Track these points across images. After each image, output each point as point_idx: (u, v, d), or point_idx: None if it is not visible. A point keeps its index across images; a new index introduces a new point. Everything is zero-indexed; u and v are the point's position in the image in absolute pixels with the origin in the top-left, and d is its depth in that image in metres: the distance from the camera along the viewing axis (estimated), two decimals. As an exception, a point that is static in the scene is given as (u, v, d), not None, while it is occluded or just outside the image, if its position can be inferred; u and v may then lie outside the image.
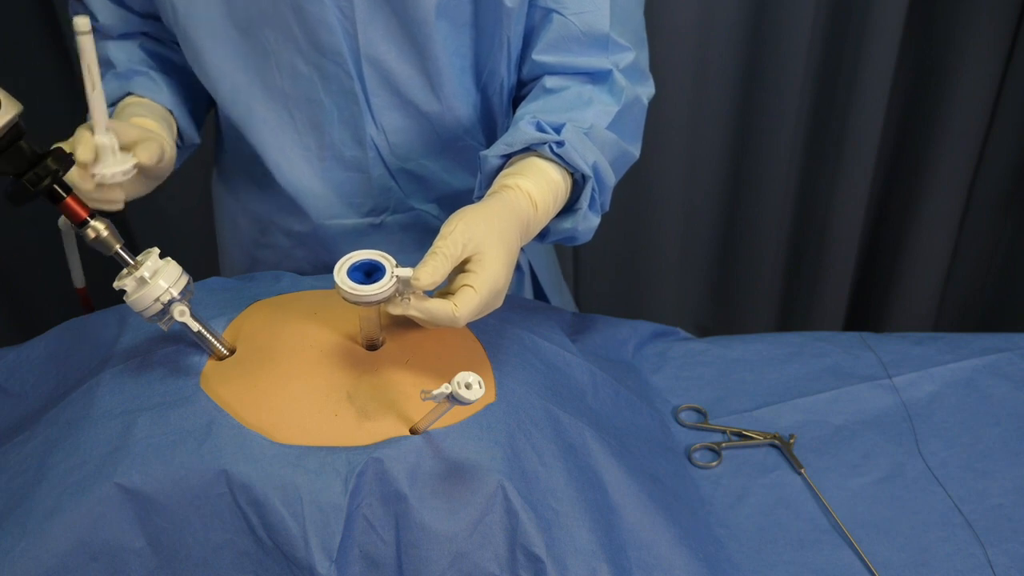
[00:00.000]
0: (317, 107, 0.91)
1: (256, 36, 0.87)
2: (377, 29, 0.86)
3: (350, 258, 0.70)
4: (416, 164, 0.96)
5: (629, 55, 0.88)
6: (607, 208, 0.86)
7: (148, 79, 0.92)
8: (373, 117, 0.92)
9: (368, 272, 0.69)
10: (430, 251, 0.68)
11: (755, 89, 1.61)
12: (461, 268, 0.70)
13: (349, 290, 0.68)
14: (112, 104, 0.91)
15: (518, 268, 1.11)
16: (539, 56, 0.87)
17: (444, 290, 0.71)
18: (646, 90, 0.92)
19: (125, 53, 0.93)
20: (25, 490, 0.67)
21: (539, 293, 1.15)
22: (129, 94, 0.92)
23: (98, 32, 0.92)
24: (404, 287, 0.68)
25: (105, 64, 0.92)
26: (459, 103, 0.92)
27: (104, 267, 0.75)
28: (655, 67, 0.94)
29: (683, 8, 1.50)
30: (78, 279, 0.88)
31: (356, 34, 0.86)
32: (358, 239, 1.00)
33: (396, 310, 0.68)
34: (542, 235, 0.84)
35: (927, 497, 0.85)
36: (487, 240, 0.70)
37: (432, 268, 0.67)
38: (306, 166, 0.95)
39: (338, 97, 0.90)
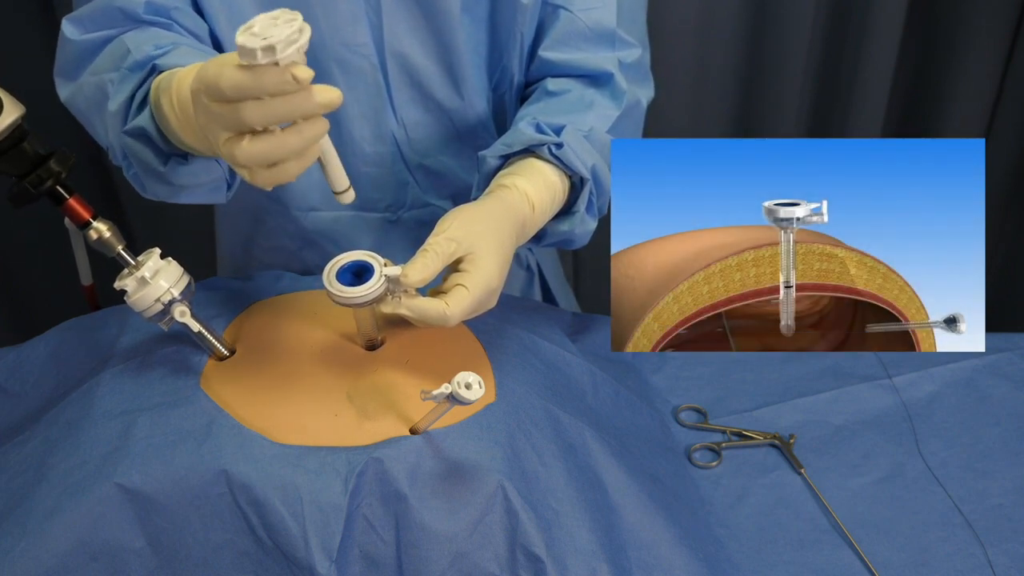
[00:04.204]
0: None
1: None
2: (402, 23, 0.86)
3: (339, 260, 0.69)
4: (434, 160, 0.96)
5: (636, 51, 0.89)
6: (604, 212, 0.86)
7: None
8: (395, 112, 0.92)
9: (358, 273, 0.69)
10: (421, 248, 0.68)
11: (755, 89, 1.61)
12: (455, 267, 0.70)
13: (337, 292, 0.67)
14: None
15: (527, 268, 1.11)
16: (545, 53, 0.87)
17: (436, 288, 0.71)
18: (646, 92, 0.92)
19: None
20: (25, 490, 0.67)
21: (547, 294, 1.15)
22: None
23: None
24: (395, 286, 0.68)
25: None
26: (478, 98, 0.92)
27: (106, 266, 0.75)
28: (655, 67, 0.95)
29: (683, 8, 1.50)
30: (85, 276, 0.88)
31: (382, 27, 0.86)
32: (375, 235, 0.99)
33: (387, 309, 0.68)
34: (539, 238, 0.83)
35: (927, 497, 0.85)
36: (482, 239, 0.70)
37: (422, 265, 0.67)
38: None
39: (360, 92, 0.89)
